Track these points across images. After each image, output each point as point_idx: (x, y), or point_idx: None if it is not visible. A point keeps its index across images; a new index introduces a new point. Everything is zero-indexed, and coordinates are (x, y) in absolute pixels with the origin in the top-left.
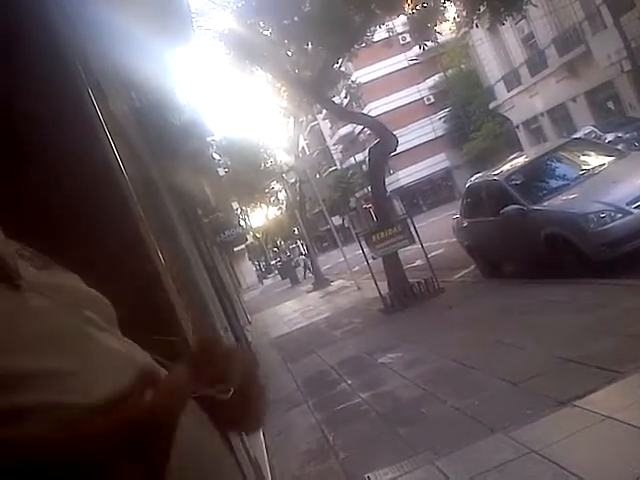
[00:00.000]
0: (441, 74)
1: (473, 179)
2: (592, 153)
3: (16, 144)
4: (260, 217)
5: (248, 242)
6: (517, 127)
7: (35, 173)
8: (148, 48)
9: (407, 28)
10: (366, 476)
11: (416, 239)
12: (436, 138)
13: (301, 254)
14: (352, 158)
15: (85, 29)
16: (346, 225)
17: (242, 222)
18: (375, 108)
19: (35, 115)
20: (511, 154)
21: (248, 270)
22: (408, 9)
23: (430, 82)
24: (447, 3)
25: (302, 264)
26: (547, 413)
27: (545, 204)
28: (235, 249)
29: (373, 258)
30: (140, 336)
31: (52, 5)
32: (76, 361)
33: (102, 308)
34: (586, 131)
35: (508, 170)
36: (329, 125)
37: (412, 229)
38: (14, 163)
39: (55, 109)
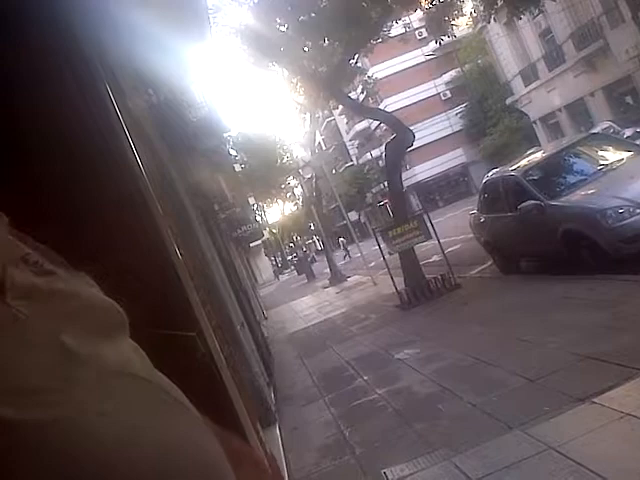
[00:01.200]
0: (458, 69)
1: (490, 174)
2: (610, 148)
3: (34, 140)
4: (276, 213)
5: (264, 238)
6: (534, 122)
7: (53, 169)
8: (165, 45)
9: (424, 23)
10: (383, 472)
11: (433, 235)
12: (453, 133)
13: (339, 237)
14: (368, 154)
15: (103, 26)
16: (362, 221)
17: (258, 218)
18: (392, 103)
19: (54, 112)
20: (528, 149)
21: (264, 265)
22: (425, 4)
23: (447, 77)
24: None
25: (342, 247)
26: (565, 410)
27: (563, 199)
28: (251, 244)
29: (390, 254)
30: (158, 331)
31: (71, 3)
32: (54, 377)
33: (102, 316)
34: (604, 126)
35: (525, 165)
36: (345, 121)
37: (429, 225)
38: (33, 160)
39: (74, 105)
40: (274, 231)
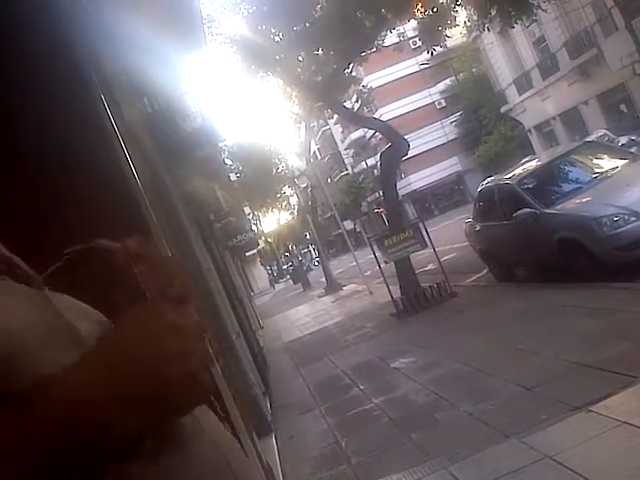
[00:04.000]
0: (452, 78)
1: (485, 183)
2: (605, 156)
3: (27, 149)
4: (272, 222)
5: (260, 247)
6: (529, 131)
7: (46, 178)
8: (160, 54)
9: (418, 33)
10: None
11: (428, 243)
12: (448, 142)
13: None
14: (363, 162)
15: (98, 36)
16: (358, 230)
17: (254, 227)
18: (386, 112)
19: (48, 121)
20: (523, 158)
21: (260, 275)
22: (419, 13)
23: (441, 86)
24: (458, 7)
25: None
26: (562, 418)
27: (558, 208)
28: (247, 254)
29: (385, 262)
30: None
31: (66, 12)
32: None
33: (91, 312)
34: (599, 134)
35: (520, 174)
36: (340, 130)
37: (424, 233)
38: (25, 168)
39: (68, 115)
40: (269, 240)
